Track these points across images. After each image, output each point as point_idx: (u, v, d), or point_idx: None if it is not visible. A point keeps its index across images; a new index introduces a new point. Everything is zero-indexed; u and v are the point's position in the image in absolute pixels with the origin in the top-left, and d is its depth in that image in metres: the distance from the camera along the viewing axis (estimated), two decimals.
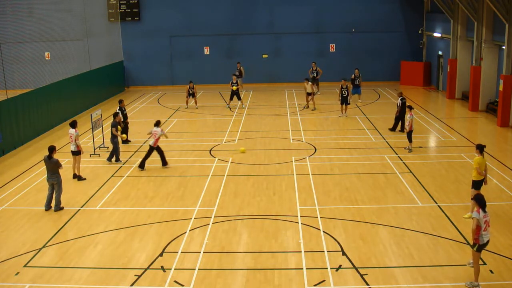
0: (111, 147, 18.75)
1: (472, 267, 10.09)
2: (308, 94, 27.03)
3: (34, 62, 32.15)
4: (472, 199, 10.73)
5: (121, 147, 20.57)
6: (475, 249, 9.89)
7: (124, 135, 19.35)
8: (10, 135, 20.46)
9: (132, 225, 13.18)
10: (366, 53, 35.06)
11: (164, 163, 17.82)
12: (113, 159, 18.55)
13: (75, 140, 16.77)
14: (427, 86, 33.92)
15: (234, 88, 27.03)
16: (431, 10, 33.99)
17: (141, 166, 17.63)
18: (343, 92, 24.71)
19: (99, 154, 19.49)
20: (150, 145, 17.69)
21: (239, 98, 27.45)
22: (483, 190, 15.00)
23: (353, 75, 27.91)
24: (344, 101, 24.88)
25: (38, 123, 22.72)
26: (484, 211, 9.73)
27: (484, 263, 10.78)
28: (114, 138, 18.23)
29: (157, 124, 17.88)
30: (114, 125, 18.35)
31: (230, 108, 27.55)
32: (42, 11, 33.04)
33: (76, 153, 16.78)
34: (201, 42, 35.60)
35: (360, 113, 25.86)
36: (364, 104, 28.03)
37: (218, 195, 15.07)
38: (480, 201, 9.78)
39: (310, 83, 27.27)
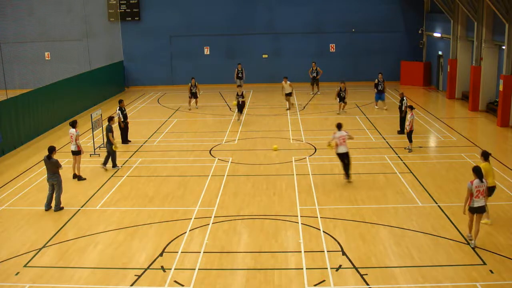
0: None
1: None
2: (287, 94, 26.67)
3: (34, 62, 32.16)
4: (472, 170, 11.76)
5: (121, 147, 20.60)
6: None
7: (117, 146, 17.75)
8: (10, 135, 20.46)
9: (132, 225, 13.18)
10: (366, 53, 35.06)
11: (348, 175, 15.71)
12: (108, 164, 17.73)
13: (76, 140, 16.76)
14: (427, 86, 33.91)
15: (239, 101, 24.15)
16: (431, 10, 33.99)
17: (348, 176, 15.70)
18: (341, 94, 25.20)
19: (99, 154, 19.49)
20: (342, 153, 15.42)
21: (241, 111, 24.62)
22: None
23: (376, 80, 26.50)
24: (341, 100, 25.50)
25: (38, 123, 22.72)
26: (481, 181, 11.36)
27: (484, 263, 10.79)
28: (110, 143, 17.45)
29: (340, 127, 15.68)
30: (109, 130, 17.53)
31: (239, 120, 24.73)
32: (42, 11, 33.06)
33: (77, 153, 16.77)
34: (201, 42, 35.60)
35: (360, 113, 25.87)
36: (364, 104, 28.03)
37: (218, 195, 15.07)
38: (477, 173, 11.43)
39: (289, 82, 26.60)
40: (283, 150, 19.73)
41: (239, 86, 25.58)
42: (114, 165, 17.78)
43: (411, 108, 19.30)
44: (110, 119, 18.02)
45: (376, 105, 27.00)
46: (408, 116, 19.07)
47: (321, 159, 18.44)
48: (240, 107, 24.31)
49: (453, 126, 23.03)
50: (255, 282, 10.36)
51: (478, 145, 19.67)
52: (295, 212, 13.74)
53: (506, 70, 22.32)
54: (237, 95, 24.32)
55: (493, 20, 24.58)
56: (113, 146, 17.40)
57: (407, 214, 13.45)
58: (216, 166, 17.84)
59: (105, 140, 17.99)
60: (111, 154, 17.64)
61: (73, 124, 17.13)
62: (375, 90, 26.66)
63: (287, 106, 27.18)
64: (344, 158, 15.54)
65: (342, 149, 15.43)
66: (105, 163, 17.74)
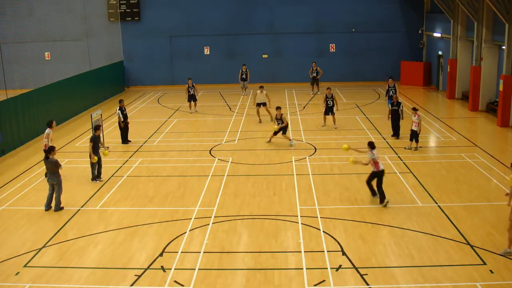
0: (106, 152, 16.99)
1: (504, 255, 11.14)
2: (258, 104, 24.20)
3: (34, 62, 32.12)
4: None
5: (121, 147, 20.62)
6: None
7: (95, 157, 16.28)
8: (10, 135, 20.46)
9: (132, 225, 13.18)
10: (366, 53, 35.07)
11: (375, 193, 14.43)
12: (98, 177, 16.70)
13: (44, 137, 16.82)
14: (427, 86, 33.92)
15: (277, 127, 20.36)
16: (431, 10, 34.00)
17: (382, 202, 14.08)
18: (328, 102, 22.67)
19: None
20: (383, 169, 14.15)
21: (284, 132, 20.48)
22: (487, 190, 15.03)
23: (387, 86, 24.86)
24: (330, 110, 22.82)
25: (38, 123, 22.69)
26: None
27: (484, 263, 10.79)
28: (95, 153, 16.32)
29: (373, 145, 14.22)
30: (92, 140, 16.39)
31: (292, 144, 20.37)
32: (42, 11, 33.01)
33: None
34: (201, 42, 35.60)
35: (360, 113, 25.86)
36: (364, 104, 28.03)
37: (218, 195, 15.07)
38: None
39: (265, 91, 24.39)
40: (283, 150, 19.73)
41: (278, 108, 20.70)
42: (94, 178, 16.59)
43: (415, 110, 19.26)
44: (97, 128, 16.88)
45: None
46: (415, 118, 19.00)
47: (321, 159, 18.44)
48: (283, 129, 20.43)
49: (453, 126, 23.03)
50: (255, 282, 10.35)
51: (478, 145, 19.68)
52: (295, 212, 13.74)
53: (506, 70, 22.33)
54: (276, 119, 20.52)
55: (493, 20, 24.58)
56: (92, 158, 16.25)
57: (407, 214, 13.45)
58: (216, 166, 17.84)
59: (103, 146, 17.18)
60: (92, 166, 16.58)
61: (48, 124, 17.21)
62: (386, 96, 24.88)
63: (258, 119, 24.42)
64: (382, 176, 14.17)
65: (382, 166, 14.15)
66: (93, 177, 16.67)
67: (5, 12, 31.07)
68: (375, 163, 14.13)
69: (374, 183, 14.27)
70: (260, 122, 24.36)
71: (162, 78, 36.05)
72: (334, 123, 23.06)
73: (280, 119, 20.27)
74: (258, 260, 11.24)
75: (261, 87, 24.87)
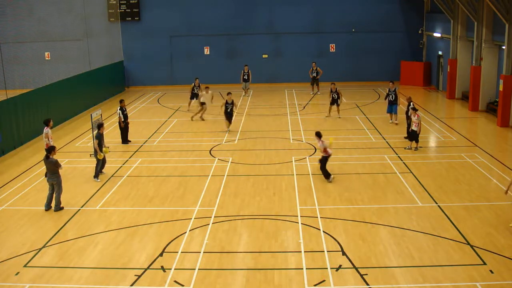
0: (106, 150, 16.92)
1: None
2: (202, 103, 24.42)
3: (34, 62, 32.13)
4: None
5: (121, 147, 20.62)
6: None
7: (102, 154, 16.55)
8: (10, 135, 20.46)
9: (132, 225, 13.18)
10: (366, 53, 35.08)
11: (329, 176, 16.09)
12: (100, 174, 16.91)
13: (44, 137, 16.84)
14: (427, 86, 33.93)
15: (228, 108, 21.93)
16: (431, 10, 34.00)
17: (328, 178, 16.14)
18: (333, 96, 24.32)
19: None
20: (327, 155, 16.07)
21: (230, 120, 22.47)
22: (487, 190, 15.03)
23: (387, 89, 23.55)
24: (335, 102, 24.48)
25: (38, 123, 22.66)
26: None
27: (484, 263, 10.79)
28: (96, 152, 16.53)
29: (319, 135, 16.28)
30: (96, 137, 16.55)
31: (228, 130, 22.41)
32: (42, 11, 33.03)
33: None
34: (201, 42, 35.61)
35: (360, 113, 25.86)
36: (364, 104, 28.03)
37: (218, 195, 15.07)
38: None
39: (210, 92, 24.50)
40: (283, 150, 19.74)
41: (229, 94, 22.66)
42: (96, 176, 16.66)
43: (415, 110, 19.25)
44: (100, 126, 16.98)
45: (391, 118, 23.58)
46: (415, 118, 18.98)
47: None
48: (229, 115, 22.23)
49: (453, 126, 23.03)
50: (255, 282, 10.35)
51: (478, 145, 19.68)
52: (295, 212, 13.74)
53: (506, 70, 22.33)
54: (227, 102, 22.11)
55: (493, 20, 24.59)
56: (98, 155, 16.46)
57: (407, 214, 13.45)
58: (216, 166, 17.84)
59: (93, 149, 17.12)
60: (97, 163, 16.74)
61: (45, 122, 17.23)
62: (385, 100, 23.58)
63: (198, 116, 24.95)
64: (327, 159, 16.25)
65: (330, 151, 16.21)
66: (96, 175, 16.71)
67: (5, 12, 31.08)
68: (325, 149, 15.92)
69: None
70: (191, 119, 24.94)
71: (162, 78, 36.06)
72: (338, 113, 24.68)
73: (231, 104, 22.08)
74: (258, 260, 11.24)
75: (207, 87, 24.86)
